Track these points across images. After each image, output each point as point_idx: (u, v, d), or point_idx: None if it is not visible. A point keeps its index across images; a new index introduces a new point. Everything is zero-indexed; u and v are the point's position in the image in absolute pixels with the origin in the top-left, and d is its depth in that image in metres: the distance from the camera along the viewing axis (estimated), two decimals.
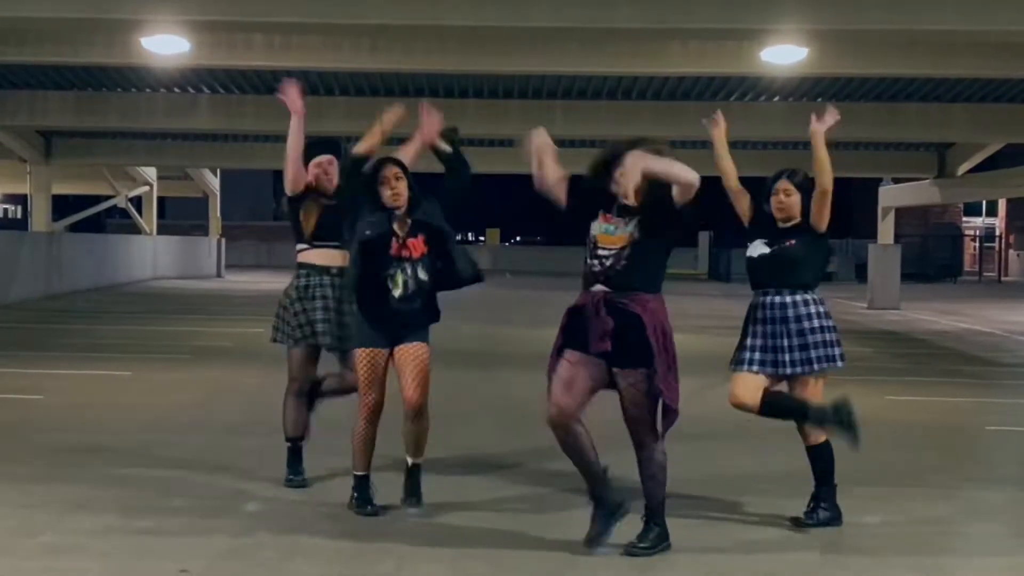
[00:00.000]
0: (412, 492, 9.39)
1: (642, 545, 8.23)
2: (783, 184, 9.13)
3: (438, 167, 9.56)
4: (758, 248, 9.15)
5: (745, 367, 9.10)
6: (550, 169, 8.90)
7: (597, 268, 8.25)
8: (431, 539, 8.50)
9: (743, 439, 12.28)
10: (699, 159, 32.19)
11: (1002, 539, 8.98)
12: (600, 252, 8.27)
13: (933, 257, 67.96)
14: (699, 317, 31.33)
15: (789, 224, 9.07)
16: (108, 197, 48.32)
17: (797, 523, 9.09)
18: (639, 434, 8.26)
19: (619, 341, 8.08)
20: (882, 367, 20.81)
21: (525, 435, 12.89)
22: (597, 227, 8.38)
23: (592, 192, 8.54)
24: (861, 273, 53.58)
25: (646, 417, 8.20)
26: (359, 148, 9.49)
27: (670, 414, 8.19)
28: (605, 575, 7.82)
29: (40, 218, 39.28)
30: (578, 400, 8.21)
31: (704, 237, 64.84)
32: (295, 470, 10.10)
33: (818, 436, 9.20)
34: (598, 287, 8.21)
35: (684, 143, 35.04)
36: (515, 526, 8.97)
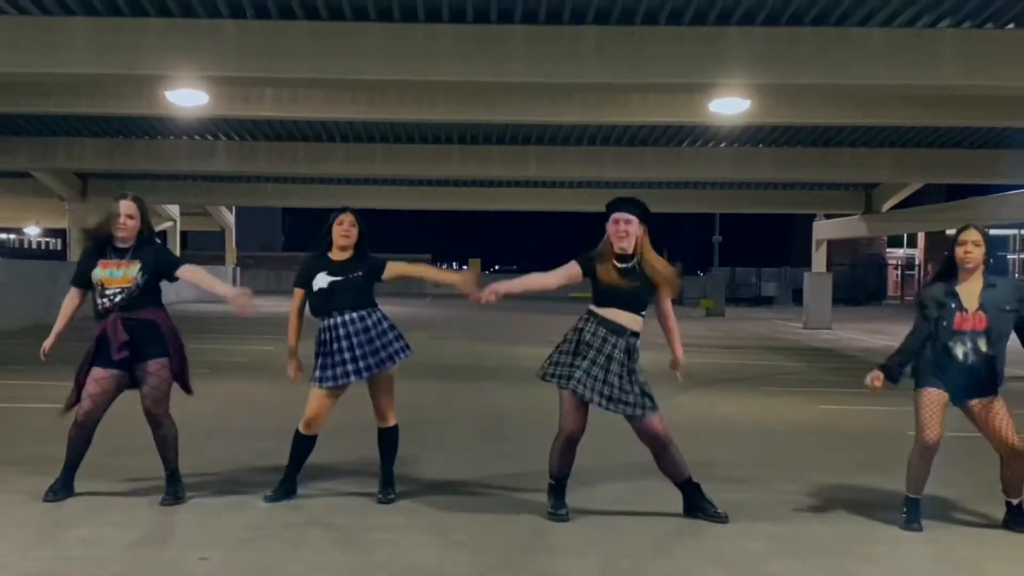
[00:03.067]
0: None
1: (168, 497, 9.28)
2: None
3: None
4: None
5: None
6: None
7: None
8: (420, 530, 8.50)
9: (710, 438, 12.32)
10: (655, 197, 32.16)
11: (926, 526, 9.01)
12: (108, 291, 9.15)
13: (861, 283, 68.15)
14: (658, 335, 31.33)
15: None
16: None
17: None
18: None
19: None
20: (816, 380, 20.85)
21: (502, 437, 12.92)
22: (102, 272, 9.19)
23: None
24: (797, 297, 53.72)
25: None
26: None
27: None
28: (575, 561, 7.82)
29: (77, 250, 39.25)
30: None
31: None
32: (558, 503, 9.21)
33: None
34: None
35: (641, 183, 35.23)
36: (496, 517, 8.98)
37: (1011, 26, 14.63)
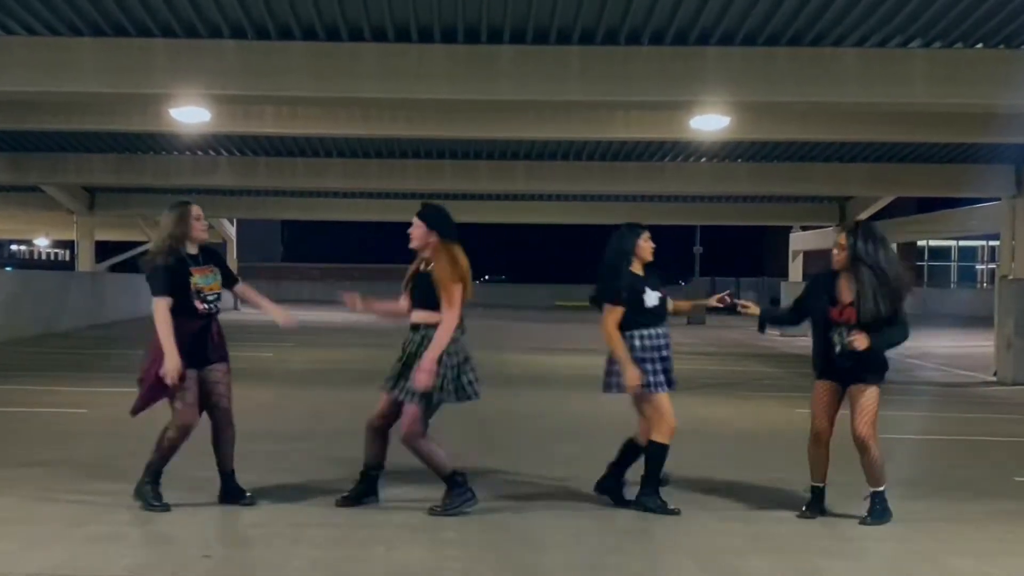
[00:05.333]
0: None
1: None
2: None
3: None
4: None
5: None
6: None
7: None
8: (413, 528, 8.54)
9: (688, 440, 12.35)
10: (639, 210, 32.04)
11: (892, 523, 9.07)
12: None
13: None
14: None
15: None
16: (143, 242, 48.20)
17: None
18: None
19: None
20: (793, 385, 20.90)
21: (489, 441, 12.93)
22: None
23: None
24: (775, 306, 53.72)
25: None
26: None
27: None
28: (560, 556, 7.85)
29: (85, 260, 39.21)
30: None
31: None
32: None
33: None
34: None
35: (625, 197, 35.30)
36: (484, 516, 9.01)
37: (979, 46, 14.66)
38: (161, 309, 8.92)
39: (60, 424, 13.71)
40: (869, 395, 9.13)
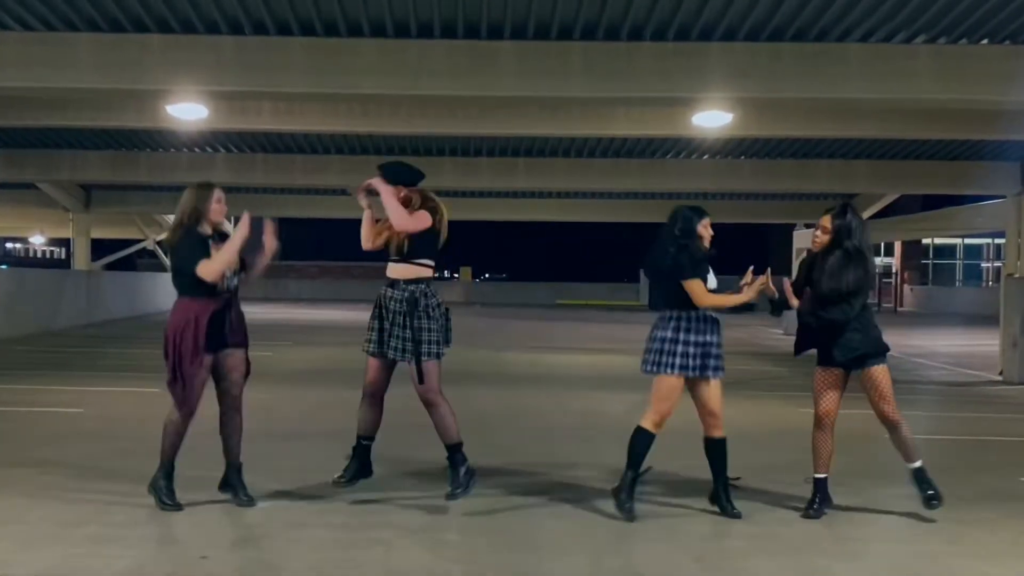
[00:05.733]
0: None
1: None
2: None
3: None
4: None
5: None
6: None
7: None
8: (412, 529, 8.53)
9: (691, 440, 12.35)
10: (640, 208, 31.93)
11: (902, 526, 9.06)
12: None
13: None
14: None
15: None
16: (139, 240, 48.22)
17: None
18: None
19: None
20: (796, 384, 20.86)
21: (489, 441, 12.89)
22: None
23: None
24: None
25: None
26: None
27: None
28: (563, 559, 7.85)
29: (81, 258, 39.22)
30: None
31: (643, 275, 64.59)
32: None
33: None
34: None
35: (627, 194, 35.28)
36: (485, 517, 9.01)
37: (984, 42, 14.67)
38: (207, 266, 8.88)
39: (55, 423, 13.69)
40: (880, 375, 9.20)
